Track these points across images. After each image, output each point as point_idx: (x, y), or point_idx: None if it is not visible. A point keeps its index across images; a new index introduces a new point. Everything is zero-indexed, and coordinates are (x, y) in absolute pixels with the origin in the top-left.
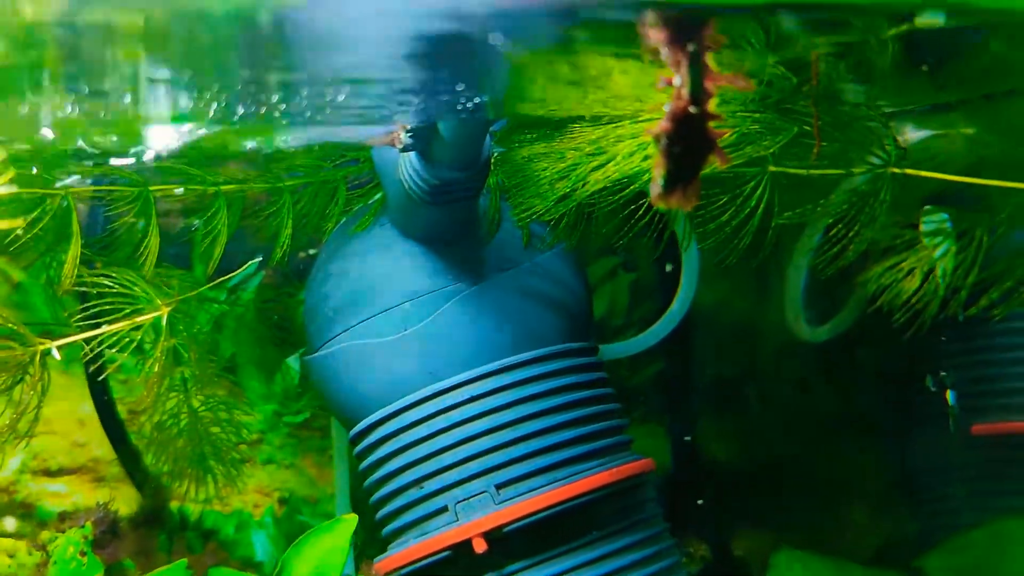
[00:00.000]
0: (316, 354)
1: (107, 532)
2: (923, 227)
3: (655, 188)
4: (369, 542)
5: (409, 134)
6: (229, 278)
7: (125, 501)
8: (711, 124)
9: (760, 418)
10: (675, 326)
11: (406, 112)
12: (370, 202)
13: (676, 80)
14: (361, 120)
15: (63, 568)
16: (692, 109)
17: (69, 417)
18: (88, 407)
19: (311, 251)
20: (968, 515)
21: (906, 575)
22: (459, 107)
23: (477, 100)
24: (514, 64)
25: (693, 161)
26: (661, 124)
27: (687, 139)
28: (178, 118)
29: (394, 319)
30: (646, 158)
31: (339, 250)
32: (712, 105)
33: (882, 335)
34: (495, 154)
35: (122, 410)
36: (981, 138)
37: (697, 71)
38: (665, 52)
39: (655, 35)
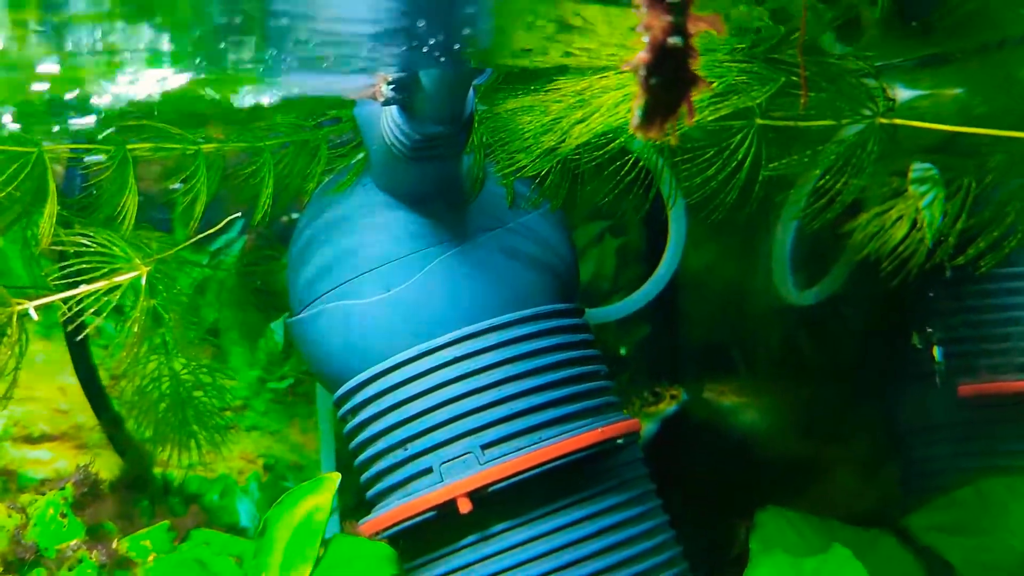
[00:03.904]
0: (299, 316)
1: (87, 494)
2: (912, 175)
3: (634, 119)
4: (356, 506)
5: (391, 86)
6: (209, 234)
7: (108, 467)
8: (691, 58)
9: (747, 381)
10: (662, 290)
11: (388, 61)
12: (352, 162)
13: (656, 12)
14: (341, 71)
15: (43, 530)
16: (672, 41)
17: (51, 384)
18: (70, 374)
19: (293, 215)
20: (954, 475)
21: (892, 534)
22: (442, 54)
23: (460, 47)
24: (498, 8)
25: (672, 95)
26: (640, 55)
27: (666, 72)
28: (153, 61)
29: (377, 280)
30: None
31: (321, 211)
32: (693, 40)
33: (870, 297)
34: (479, 110)
35: (104, 376)
36: (971, 96)
37: (679, 4)
38: None
39: None
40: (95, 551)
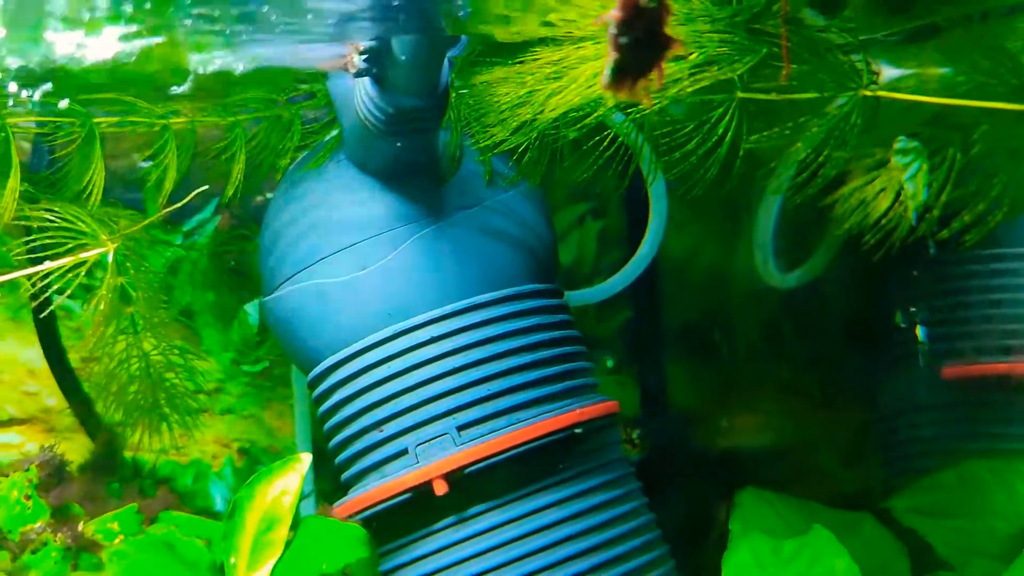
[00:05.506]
0: (273, 295)
1: (52, 476)
2: (896, 146)
3: (604, 77)
4: (335, 490)
5: (363, 56)
6: (181, 213)
7: (78, 450)
8: (664, 18)
9: (729, 365)
10: (642, 272)
11: (360, 29)
12: (327, 138)
13: None
14: (310, 39)
15: (7, 512)
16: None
17: (19, 366)
18: (39, 356)
19: (268, 195)
20: (937, 457)
21: (874, 517)
22: (415, 21)
23: (434, 13)
24: None
25: (644, 55)
26: (612, 11)
27: (638, 30)
28: (115, 19)
29: (352, 258)
30: None
31: (295, 187)
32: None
33: (853, 277)
34: (456, 85)
35: (74, 358)
36: (956, 72)
37: None
38: None
39: None
40: (60, 533)
